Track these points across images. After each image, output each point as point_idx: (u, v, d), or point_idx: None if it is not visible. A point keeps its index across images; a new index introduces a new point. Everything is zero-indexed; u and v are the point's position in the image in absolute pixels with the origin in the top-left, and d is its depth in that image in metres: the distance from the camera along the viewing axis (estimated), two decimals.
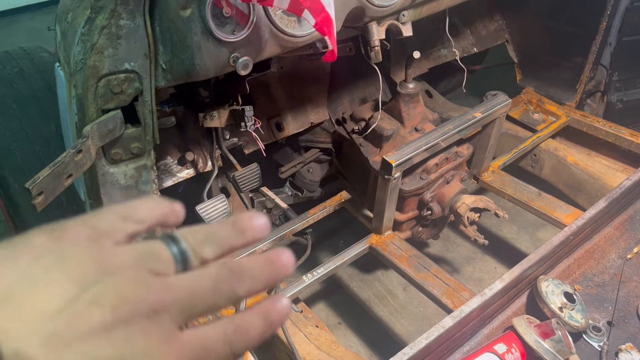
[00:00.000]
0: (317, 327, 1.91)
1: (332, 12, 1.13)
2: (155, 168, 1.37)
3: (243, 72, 1.29)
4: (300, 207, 2.29)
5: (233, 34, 1.26)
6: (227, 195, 2.23)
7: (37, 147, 2.03)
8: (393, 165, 1.89)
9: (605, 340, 1.74)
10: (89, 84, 1.17)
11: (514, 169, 2.60)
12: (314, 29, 1.25)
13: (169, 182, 2.00)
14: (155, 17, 1.19)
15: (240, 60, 1.28)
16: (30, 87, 2.10)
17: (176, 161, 2.02)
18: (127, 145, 1.29)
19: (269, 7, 1.29)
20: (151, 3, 1.15)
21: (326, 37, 1.19)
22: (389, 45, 1.81)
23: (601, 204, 1.96)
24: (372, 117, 2.18)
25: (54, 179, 1.09)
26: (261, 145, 1.96)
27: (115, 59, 1.16)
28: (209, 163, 2.04)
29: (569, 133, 2.73)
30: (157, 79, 1.27)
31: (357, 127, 2.26)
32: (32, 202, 1.06)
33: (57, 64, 1.34)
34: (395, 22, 1.69)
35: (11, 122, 2.04)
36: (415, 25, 2.55)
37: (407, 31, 1.72)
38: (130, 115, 1.27)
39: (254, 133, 1.82)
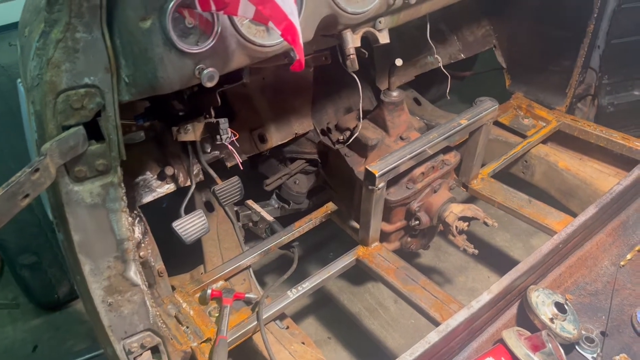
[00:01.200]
0: (303, 343, 1.85)
1: (295, 21, 1.09)
2: (122, 185, 1.32)
3: (209, 84, 1.25)
4: (288, 219, 2.25)
5: (197, 45, 1.22)
6: (211, 209, 2.19)
7: (12, 165, 1.99)
8: (376, 175, 1.84)
9: (598, 351, 1.68)
10: (46, 100, 1.12)
11: (504, 175, 2.55)
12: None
13: (148, 198, 1.95)
14: (114, 30, 1.15)
15: (205, 71, 1.24)
16: (6, 104, 2.06)
17: (156, 176, 1.97)
18: (92, 162, 1.24)
19: (234, 17, 1.25)
20: (109, 15, 1.11)
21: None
22: (366, 53, 1.77)
23: (591, 210, 1.91)
24: (356, 126, 2.14)
25: (8, 200, 1.05)
26: (238, 159, 1.91)
27: (73, 74, 1.12)
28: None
29: (560, 138, 2.68)
30: (121, 93, 1.22)
31: (342, 137, 2.22)
32: None
33: (19, 79, 1.30)
34: (372, 29, 1.65)
35: None
36: (400, 32, 2.53)
37: (383, 38, 1.68)
38: (94, 131, 1.23)
39: (230, 146, 1.78)
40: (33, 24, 1.15)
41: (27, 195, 1.09)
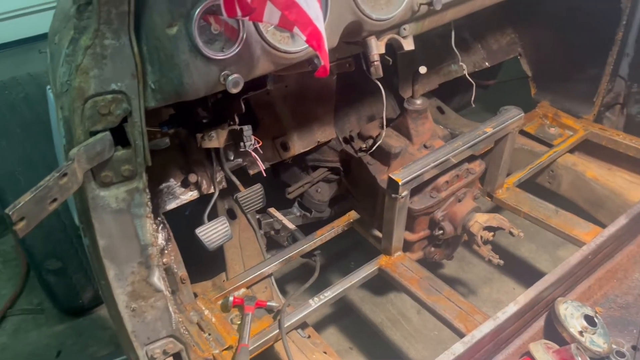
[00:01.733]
0: (325, 353, 1.83)
1: (321, 26, 1.09)
2: (147, 191, 1.33)
3: (234, 90, 1.25)
4: (310, 227, 2.24)
5: (222, 51, 1.23)
6: (234, 216, 2.19)
7: (42, 172, 2.02)
8: (400, 183, 1.82)
9: None
10: (75, 105, 1.14)
11: (530, 185, 2.50)
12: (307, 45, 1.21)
13: (172, 205, 1.96)
14: (141, 36, 1.16)
15: (230, 78, 1.24)
16: (35, 112, 2.10)
17: (179, 183, 1.99)
18: (118, 167, 1.25)
19: (259, 23, 1.26)
20: (136, 21, 1.13)
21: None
22: (390, 60, 1.76)
23: (622, 221, 1.87)
24: (379, 134, 2.13)
25: (37, 204, 1.06)
26: (261, 166, 1.92)
27: (101, 80, 1.13)
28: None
29: (587, 147, 2.63)
30: (147, 100, 1.23)
31: (364, 145, 2.21)
32: (13, 228, 1.03)
33: (49, 86, 1.32)
34: (396, 36, 1.65)
35: (15, 147, 2.04)
36: (424, 40, 2.52)
37: (408, 45, 1.67)
38: (120, 136, 1.24)
39: (253, 153, 1.78)
40: (63, 31, 1.17)
41: (55, 200, 1.10)
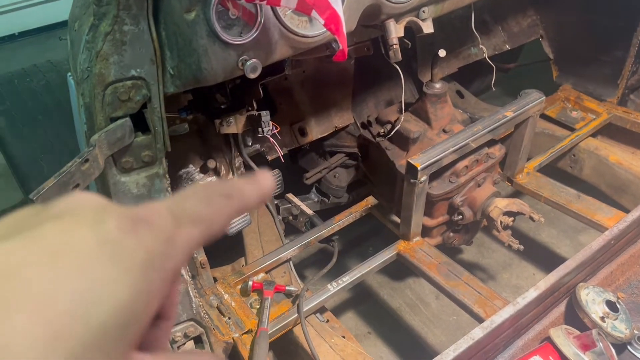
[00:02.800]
0: (343, 337, 1.84)
1: (339, 9, 1.08)
2: (167, 176, 1.35)
3: (252, 75, 1.25)
4: (328, 213, 2.24)
5: (240, 36, 1.23)
6: None
7: (64, 158, 2.05)
8: (419, 168, 1.81)
9: None
10: (95, 92, 1.15)
11: (552, 170, 2.47)
12: (325, 29, 1.20)
13: None
14: (160, 21, 1.17)
15: (248, 63, 1.24)
16: (56, 99, 2.13)
17: (198, 169, 2.00)
18: (138, 153, 1.27)
19: (277, 7, 1.25)
20: (155, 7, 1.13)
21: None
22: (409, 43, 1.74)
23: None
24: (397, 119, 2.11)
25: (60, 189, 1.08)
26: (279, 151, 1.92)
27: (121, 66, 1.14)
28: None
29: (610, 131, 2.57)
30: (166, 85, 1.24)
31: (382, 130, 2.20)
32: None
33: (69, 73, 1.33)
34: (415, 19, 1.62)
35: (37, 133, 2.07)
36: (443, 23, 2.48)
37: (427, 28, 1.65)
38: (140, 122, 1.25)
39: (271, 138, 1.78)
40: (82, 17, 1.18)
41: (77, 185, 1.12)
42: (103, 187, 1.30)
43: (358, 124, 2.37)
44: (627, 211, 1.89)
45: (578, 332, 1.61)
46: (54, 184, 1.06)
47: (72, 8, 1.34)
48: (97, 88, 1.15)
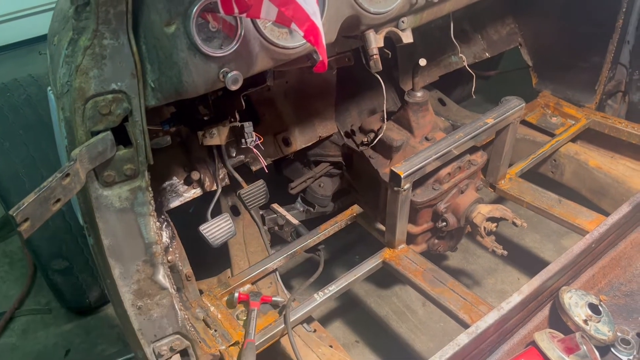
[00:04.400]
0: (331, 347, 1.84)
1: (318, 21, 1.09)
2: (150, 189, 1.34)
3: (233, 87, 1.26)
4: (314, 222, 2.25)
5: (221, 49, 1.23)
6: (237, 213, 2.20)
7: (45, 173, 2.03)
8: (402, 176, 1.83)
9: (635, 353, 1.63)
10: (76, 106, 1.15)
11: (533, 175, 2.50)
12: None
13: (175, 203, 1.97)
14: (140, 35, 1.17)
15: (229, 75, 1.24)
16: (37, 113, 2.11)
17: (182, 181, 2.00)
18: (120, 167, 1.26)
19: (257, 20, 1.26)
20: (134, 21, 1.13)
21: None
22: (389, 53, 1.76)
23: (625, 209, 1.86)
24: (380, 128, 2.13)
25: (41, 205, 1.07)
26: (263, 162, 1.92)
27: (101, 80, 1.14)
28: None
29: (590, 136, 2.62)
30: (147, 98, 1.24)
31: (366, 139, 2.21)
32: (18, 229, 1.04)
33: (49, 87, 1.33)
34: (394, 29, 1.64)
35: (19, 148, 2.05)
36: (423, 33, 2.51)
37: (407, 38, 1.67)
38: (121, 136, 1.25)
39: (255, 149, 1.78)
40: (61, 32, 1.18)
41: (58, 200, 1.11)
42: (85, 201, 1.29)
43: (342, 133, 2.38)
44: (607, 214, 1.92)
45: (562, 336, 1.63)
46: (34, 199, 1.05)
47: (51, 23, 1.34)
48: (78, 102, 1.14)
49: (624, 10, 2.41)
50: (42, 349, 2.47)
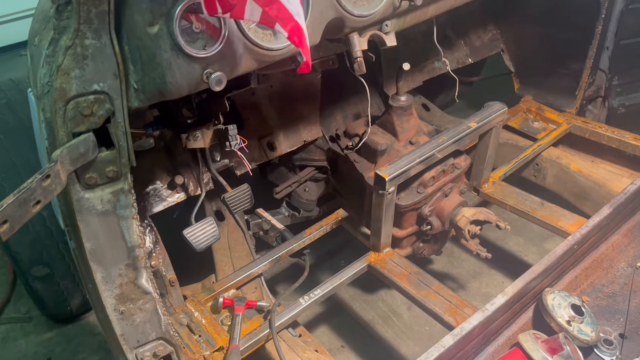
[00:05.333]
0: (316, 351, 1.83)
1: (302, 22, 1.09)
2: (133, 192, 1.33)
3: (217, 88, 1.25)
4: (299, 227, 2.24)
5: (204, 49, 1.23)
6: (222, 218, 2.18)
7: (26, 178, 2.00)
8: (386, 179, 1.83)
9: (617, 354, 1.64)
10: (57, 106, 1.13)
11: (516, 179, 2.53)
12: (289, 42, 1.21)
13: (159, 207, 1.96)
14: (122, 35, 1.16)
15: (213, 76, 1.24)
16: (17, 118, 2.08)
17: (166, 185, 1.98)
18: (102, 169, 1.25)
19: (241, 21, 1.26)
20: (117, 21, 1.12)
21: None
22: (373, 57, 1.77)
23: (606, 211, 1.89)
24: (365, 132, 2.13)
25: (20, 207, 1.05)
26: (248, 166, 1.91)
27: (82, 80, 1.13)
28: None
29: (571, 140, 2.66)
30: (130, 99, 1.23)
31: (351, 143, 2.22)
32: None
33: (30, 89, 1.31)
34: (378, 32, 1.65)
35: None
36: (407, 38, 2.54)
37: (390, 41, 1.68)
38: (104, 137, 1.24)
39: (239, 152, 1.78)
40: (42, 32, 1.17)
41: (38, 202, 1.09)
42: (66, 204, 1.27)
43: (326, 138, 2.39)
44: (588, 217, 1.95)
45: (546, 337, 1.64)
46: (13, 200, 1.03)
47: (32, 23, 1.32)
48: (58, 103, 1.13)
49: (602, 16, 2.45)
50: (22, 358, 2.42)
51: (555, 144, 2.63)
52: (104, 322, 1.45)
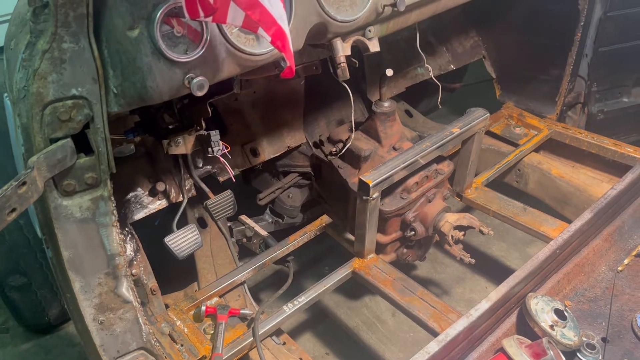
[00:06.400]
0: (301, 359, 1.81)
1: (285, 26, 1.08)
2: (113, 199, 1.30)
3: (199, 93, 1.23)
4: (282, 233, 2.22)
5: (186, 54, 1.21)
6: (204, 225, 2.16)
7: (1, 185, 1.95)
8: (370, 185, 1.83)
9: (600, 357, 1.65)
10: (33, 112, 1.10)
11: (498, 184, 2.54)
12: (272, 46, 1.20)
13: (140, 215, 1.92)
14: (101, 39, 1.14)
15: (195, 81, 1.22)
16: None
17: (147, 192, 1.95)
18: (81, 175, 1.22)
19: (223, 25, 1.25)
20: (96, 24, 1.10)
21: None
22: (357, 62, 1.77)
23: (587, 215, 1.91)
24: (348, 138, 2.13)
25: None
26: (230, 172, 1.89)
27: (60, 85, 1.10)
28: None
29: (552, 146, 2.69)
30: (109, 104, 1.21)
31: (334, 149, 2.21)
32: None
33: (6, 93, 1.28)
34: (361, 37, 1.65)
35: None
36: (390, 44, 2.54)
37: (374, 47, 1.68)
38: (82, 143, 1.21)
39: (221, 158, 1.76)
40: (19, 35, 1.14)
41: (14, 210, 1.06)
42: (43, 211, 1.24)
43: (310, 144, 2.38)
44: (570, 222, 1.97)
45: (529, 342, 1.64)
46: None
47: (9, 26, 1.29)
48: (35, 108, 1.10)
49: (581, 24, 2.49)
50: None
51: (537, 150, 2.66)
52: (83, 333, 1.41)
